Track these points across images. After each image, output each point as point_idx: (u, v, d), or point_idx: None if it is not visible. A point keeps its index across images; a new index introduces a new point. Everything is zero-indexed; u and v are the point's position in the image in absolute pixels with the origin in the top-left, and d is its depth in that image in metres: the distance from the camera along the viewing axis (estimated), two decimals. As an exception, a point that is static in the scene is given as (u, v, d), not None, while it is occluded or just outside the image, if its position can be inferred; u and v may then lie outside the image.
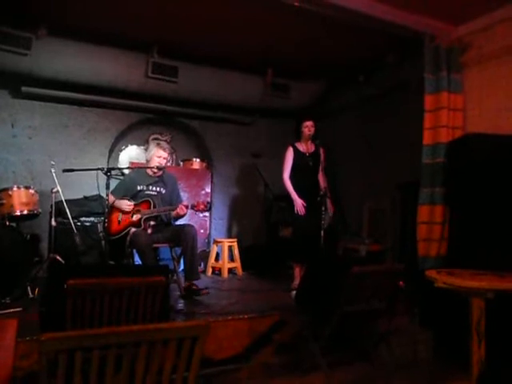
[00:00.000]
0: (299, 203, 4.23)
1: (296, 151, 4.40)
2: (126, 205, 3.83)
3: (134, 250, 3.71)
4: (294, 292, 3.52)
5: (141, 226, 3.73)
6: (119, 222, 3.84)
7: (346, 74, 5.50)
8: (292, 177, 4.35)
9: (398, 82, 4.95)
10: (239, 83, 5.57)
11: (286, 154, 4.42)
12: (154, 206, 3.82)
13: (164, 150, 4.01)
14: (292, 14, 3.93)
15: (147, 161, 4.09)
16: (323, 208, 4.07)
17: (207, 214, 5.60)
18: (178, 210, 3.74)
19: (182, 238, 3.72)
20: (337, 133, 5.87)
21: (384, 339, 3.10)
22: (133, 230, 3.72)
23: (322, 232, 4.00)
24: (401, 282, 3.26)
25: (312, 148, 4.44)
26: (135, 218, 3.80)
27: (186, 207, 3.74)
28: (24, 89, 4.89)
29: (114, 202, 3.87)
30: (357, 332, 3.11)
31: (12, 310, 3.11)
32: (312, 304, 2.93)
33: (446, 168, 3.73)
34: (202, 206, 3.69)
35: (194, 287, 3.69)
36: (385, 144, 5.28)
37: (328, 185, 4.42)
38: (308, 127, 4.37)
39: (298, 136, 4.48)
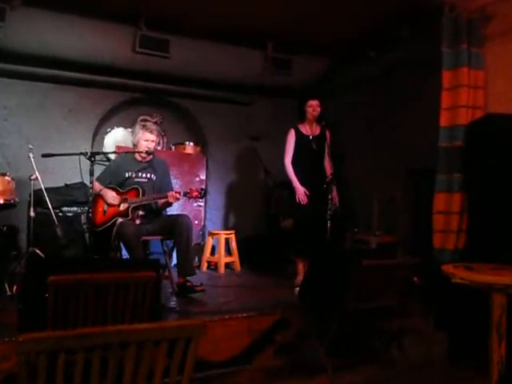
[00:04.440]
0: (301, 191, 4.23)
1: (298, 134, 4.38)
2: (112, 197, 3.82)
3: (121, 243, 3.71)
4: (298, 288, 3.53)
5: (128, 216, 3.72)
6: (104, 212, 3.83)
7: (355, 49, 5.45)
8: (294, 162, 4.34)
9: (411, 57, 4.91)
10: (236, 58, 5.52)
11: (287, 137, 4.40)
12: (143, 194, 3.81)
13: (151, 132, 3.99)
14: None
15: (134, 145, 4.08)
16: (329, 196, 4.06)
17: (202, 203, 5.60)
18: (170, 197, 3.72)
19: (176, 229, 3.72)
20: (343, 114, 5.84)
21: (396, 339, 3.11)
22: (119, 220, 3.71)
23: (328, 223, 3.99)
24: (415, 278, 3.27)
25: (317, 130, 4.42)
26: (122, 207, 3.79)
27: (179, 194, 3.72)
28: (-3, 65, 4.86)
29: (100, 190, 3.86)
30: (366, 332, 3.13)
31: (-12, 309, 3.12)
32: (317, 301, 2.94)
33: (464, 152, 3.72)
34: (195, 193, 3.68)
35: (188, 283, 3.70)
36: (396, 126, 5.26)
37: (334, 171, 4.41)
38: (313, 107, 4.34)
39: (301, 117, 4.45)
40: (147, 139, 3.97)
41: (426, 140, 4.23)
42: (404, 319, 3.17)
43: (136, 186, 3.86)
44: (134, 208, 3.76)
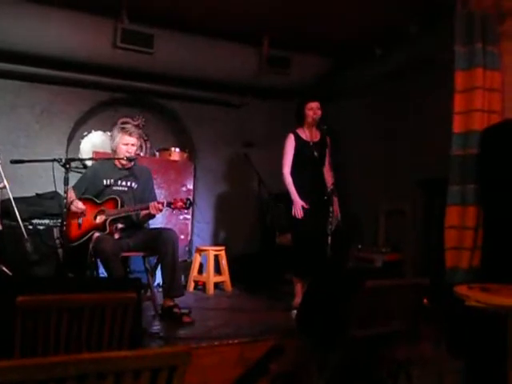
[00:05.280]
0: (298, 205, 4.23)
1: (298, 140, 4.39)
2: (76, 207, 3.79)
3: (98, 260, 3.70)
4: (295, 312, 3.52)
5: (106, 229, 3.71)
6: (79, 225, 3.82)
7: (360, 46, 5.50)
8: (293, 171, 4.35)
9: (421, 56, 4.97)
10: (228, 55, 5.56)
11: (285, 143, 4.41)
12: (122, 205, 3.80)
13: (130, 134, 3.99)
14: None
15: (113, 151, 4.08)
16: (330, 209, 4.07)
17: (188, 215, 5.60)
18: (152, 208, 3.72)
19: (160, 245, 3.72)
20: (345, 118, 5.88)
21: (404, 369, 3.11)
22: (96, 234, 3.71)
23: (329, 238, 4.00)
24: (424, 300, 3.27)
25: (317, 136, 4.44)
26: (99, 219, 3.78)
27: (162, 205, 3.72)
28: (-39, 61, 4.86)
29: (72, 201, 3.85)
30: (371, 361, 3.12)
31: None
32: (316, 327, 2.93)
33: (480, 161, 3.75)
34: (180, 204, 3.68)
35: (175, 310, 3.68)
36: (404, 132, 5.29)
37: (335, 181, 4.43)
38: (313, 110, 4.36)
39: (299, 121, 4.47)
40: (126, 143, 3.97)
41: (438, 147, 4.25)
42: (413, 346, 3.17)
43: (114, 195, 3.85)
44: (112, 221, 3.75)
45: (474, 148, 3.80)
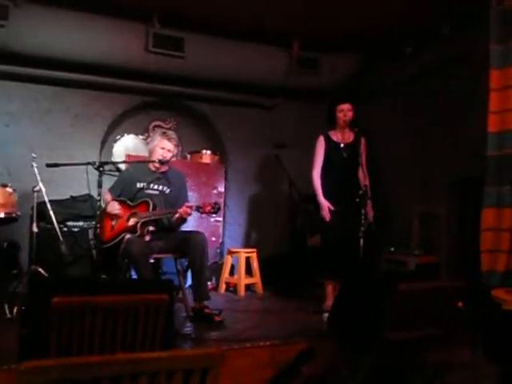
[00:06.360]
0: (325, 206, 4.22)
1: (329, 141, 4.37)
2: (115, 209, 3.86)
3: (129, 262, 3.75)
4: (327, 314, 3.50)
5: (137, 231, 3.75)
6: (113, 227, 3.87)
7: (390, 46, 5.43)
8: (324, 173, 4.33)
9: (455, 54, 4.88)
10: (258, 58, 5.56)
11: (316, 145, 4.39)
12: (154, 208, 3.83)
13: (170, 140, 4.04)
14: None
15: (150, 152, 4.13)
16: (362, 211, 4.02)
17: (220, 217, 5.61)
18: (181, 212, 3.75)
19: (189, 248, 3.75)
20: (376, 118, 5.81)
21: (438, 375, 3.05)
22: (127, 236, 3.74)
23: (361, 240, 3.96)
24: (460, 303, 3.21)
25: (350, 137, 4.39)
26: (131, 222, 3.83)
27: (191, 208, 3.75)
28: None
29: (108, 202, 3.91)
30: (405, 365, 3.08)
31: (-14, 333, 3.16)
32: (348, 330, 2.91)
33: (516, 161, 3.67)
34: (208, 208, 3.69)
35: (206, 310, 3.71)
36: (438, 132, 5.21)
37: (369, 183, 4.37)
38: (344, 111, 4.32)
39: (331, 122, 4.44)
40: (164, 147, 4.02)
41: (470, 147, 4.17)
42: (448, 351, 3.11)
43: (146, 198, 3.89)
44: (143, 223, 3.79)
45: (510, 148, 3.72)
